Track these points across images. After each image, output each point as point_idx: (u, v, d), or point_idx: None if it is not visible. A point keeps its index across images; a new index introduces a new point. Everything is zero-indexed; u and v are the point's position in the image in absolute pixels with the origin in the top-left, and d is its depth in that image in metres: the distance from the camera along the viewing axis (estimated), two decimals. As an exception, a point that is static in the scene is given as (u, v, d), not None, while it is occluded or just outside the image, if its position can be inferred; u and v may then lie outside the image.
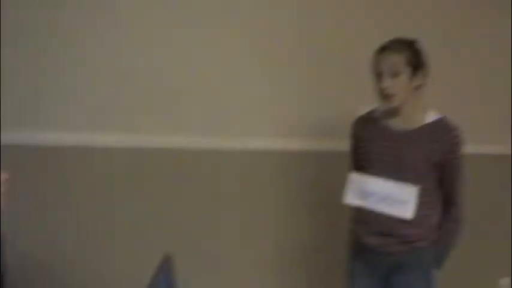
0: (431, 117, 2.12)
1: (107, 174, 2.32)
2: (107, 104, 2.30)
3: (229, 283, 2.61)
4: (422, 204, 2.06)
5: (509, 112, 3.32)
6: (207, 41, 2.47)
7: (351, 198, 2.16)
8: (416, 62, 2.08)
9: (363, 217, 2.15)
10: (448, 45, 2.98)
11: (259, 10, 2.57)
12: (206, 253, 2.54)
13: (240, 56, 2.54)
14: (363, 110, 2.64)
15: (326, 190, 2.73)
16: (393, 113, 2.14)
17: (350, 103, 2.72)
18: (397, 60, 2.05)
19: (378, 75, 2.08)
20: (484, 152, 3.14)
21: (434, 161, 2.08)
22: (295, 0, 2.64)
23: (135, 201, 2.38)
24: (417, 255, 2.13)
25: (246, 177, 2.61)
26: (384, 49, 2.08)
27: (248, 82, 2.57)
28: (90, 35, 2.25)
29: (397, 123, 2.14)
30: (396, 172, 2.08)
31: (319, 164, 2.75)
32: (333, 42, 2.73)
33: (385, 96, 2.07)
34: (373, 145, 2.16)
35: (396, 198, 2.06)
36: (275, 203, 2.70)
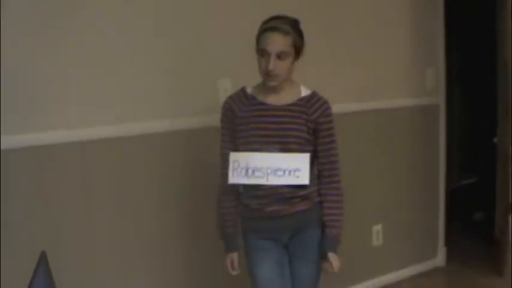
0: (304, 91, 2.23)
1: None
2: None
3: (107, 277, 2.61)
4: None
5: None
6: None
7: (236, 178, 2.16)
8: (300, 45, 2.16)
9: (256, 192, 2.19)
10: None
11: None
12: (81, 248, 2.53)
13: (104, 41, 2.52)
14: (224, 82, 2.72)
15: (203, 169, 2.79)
16: (268, 89, 2.20)
17: (211, 77, 2.82)
18: (286, 43, 2.11)
19: (265, 54, 2.10)
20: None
21: (312, 129, 2.18)
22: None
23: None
24: (316, 210, 2.24)
25: (119, 165, 2.60)
26: (272, 29, 2.09)
27: (112, 68, 2.56)
28: None
29: (272, 99, 2.20)
30: (282, 144, 2.15)
31: (191, 142, 2.80)
32: (189, 17, 2.75)
33: (270, 76, 2.12)
34: (253, 121, 2.18)
35: (289, 168, 2.13)
36: (153, 188, 2.71)
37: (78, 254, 2.53)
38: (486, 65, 4.53)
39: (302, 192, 2.20)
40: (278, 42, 2.09)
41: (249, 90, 2.26)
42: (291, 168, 2.13)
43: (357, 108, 3.43)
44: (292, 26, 2.14)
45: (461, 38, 5.69)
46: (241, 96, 2.26)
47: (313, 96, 2.23)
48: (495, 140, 3.75)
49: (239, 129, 2.21)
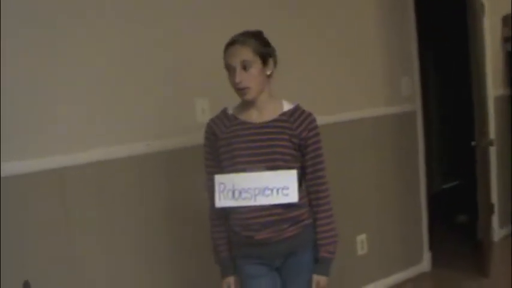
0: (286, 106, 2.19)
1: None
2: None
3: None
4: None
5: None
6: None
7: (224, 201, 2.09)
8: (265, 52, 2.13)
9: (245, 216, 2.12)
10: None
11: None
12: (64, 277, 2.48)
13: (79, 65, 2.51)
14: (202, 102, 2.72)
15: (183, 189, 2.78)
16: (248, 106, 2.16)
17: (188, 97, 2.81)
18: (246, 52, 2.08)
19: (230, 69, 2.09)
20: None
21: (298, 145, 2.14)
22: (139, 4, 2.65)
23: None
24: (307, 233, 2.19)
25: (99, 190, 2.58)
26: (231, 43, 2.10)
27: (87, 91, 2.54)
28: None
29: (254, 117, 2.16)
30: (268, 163, 2.09)
31: (170, 164, 2.78)
32: (165, 37, 2.76)
33: (240, 90, 2.09)
34: (236, 141, 2.12)
35: (277, 186, 2.07)
36: (134, 211, 2.68)
37: (62, 283, 2.48)
38: (462, 71, 4.60)
39: (294, 213, 2.14)
40: (237, 52, 2.08)
41: (230, 111, 2.22)
42: (278, 187, 2.07)
43: (336, 119, 3.44)
44: (253, 36, 2.13)
45: (436, 46, 5.77)
46: (222, 117, 2.21)
47: (297, 109, 2.18)
48: (473, 143, 3.79)
49: (223, 151, 2.15)
